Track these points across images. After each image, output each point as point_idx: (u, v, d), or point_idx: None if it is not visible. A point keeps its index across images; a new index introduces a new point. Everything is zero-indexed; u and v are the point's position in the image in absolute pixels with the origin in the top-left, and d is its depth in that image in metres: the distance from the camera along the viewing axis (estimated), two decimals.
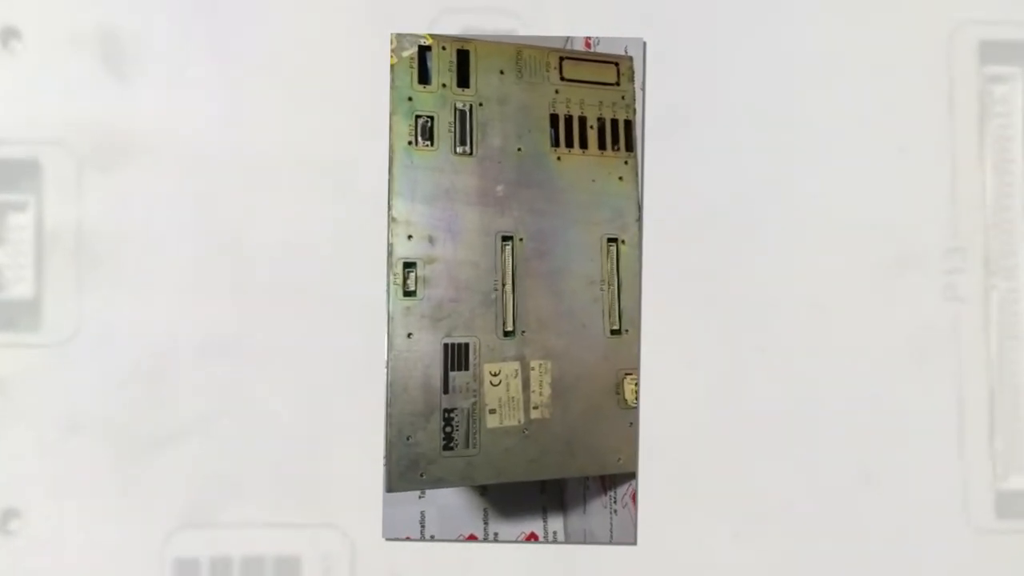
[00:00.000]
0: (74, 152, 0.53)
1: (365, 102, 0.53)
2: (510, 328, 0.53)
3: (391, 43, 0.54)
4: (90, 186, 0.53)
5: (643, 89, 0.54)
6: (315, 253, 0.53)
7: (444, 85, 0.54)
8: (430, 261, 0.52)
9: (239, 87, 0.54)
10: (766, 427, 0.53)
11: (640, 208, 0.54)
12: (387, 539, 0.53)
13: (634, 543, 0.53)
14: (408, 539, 0.53)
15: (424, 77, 0.54)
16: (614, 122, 0.55)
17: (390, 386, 0.52)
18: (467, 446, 0.52)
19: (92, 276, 0.53)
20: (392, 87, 0.53)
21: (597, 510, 0.54)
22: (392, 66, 0.53)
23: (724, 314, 0.53)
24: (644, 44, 0.54)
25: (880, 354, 0.53)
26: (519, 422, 0.53)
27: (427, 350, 0.52)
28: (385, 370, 0.52)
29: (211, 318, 0.53)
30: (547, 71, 0.55)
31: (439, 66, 0.54)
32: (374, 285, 0.53)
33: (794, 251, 0.53)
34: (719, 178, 0.53)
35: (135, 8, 0.54)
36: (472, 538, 0.53)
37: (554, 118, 0.55)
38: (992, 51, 0.53)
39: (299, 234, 0.53)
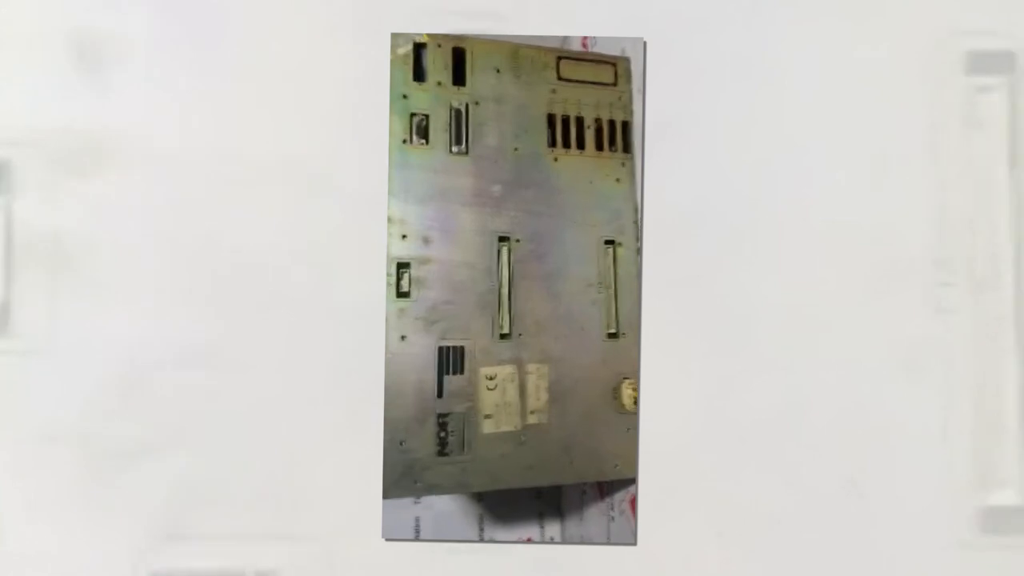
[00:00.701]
0: (48, 156, 0.52)
1: (355, 101, 0.53)
2: (506, 331, 0.53)
3: (391, 42, 0.53)
4: (64, 191, 0.52)
5: (643, 90, 0.54)
6: (300, 257, 0.53)
7: (439, 83, 0.53)
8: (425, 262, 0.52)
9: (219, 88, 0.53)
10: (760, 435, 0.53)
11: (637, 210, 0.53)
12: (386, 539, 0.52)
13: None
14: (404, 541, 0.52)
15: (419, 75, 0.53)
16: (611, 123, 0.54)
17: (383, 390, 0.51)
18: (462, 452, 0.52)
19: (66, 283, 0.52)
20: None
21: (595, 516, 0.53)
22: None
23: (719, 320, 0.53)
24: (644, 44, 0.53)
25: (870, 365, 0.52)
26: (515, 427, 0.52)
27: (421, 353, 0.52)
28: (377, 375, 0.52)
29: (190, 326, 0.52)
30: (544, 70, 0.54)
31: (434, 64, 0.53)
32: (364, 288, 0.52)
33: (785, 260, 0.53)
34: (713, 183, 0.53)
35: (111, 8, 0.53)
36: None
37: (551, 118, 0.54)
38: (978, 62, 0.53)
39: (283, 237, 0.52)
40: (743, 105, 0.53)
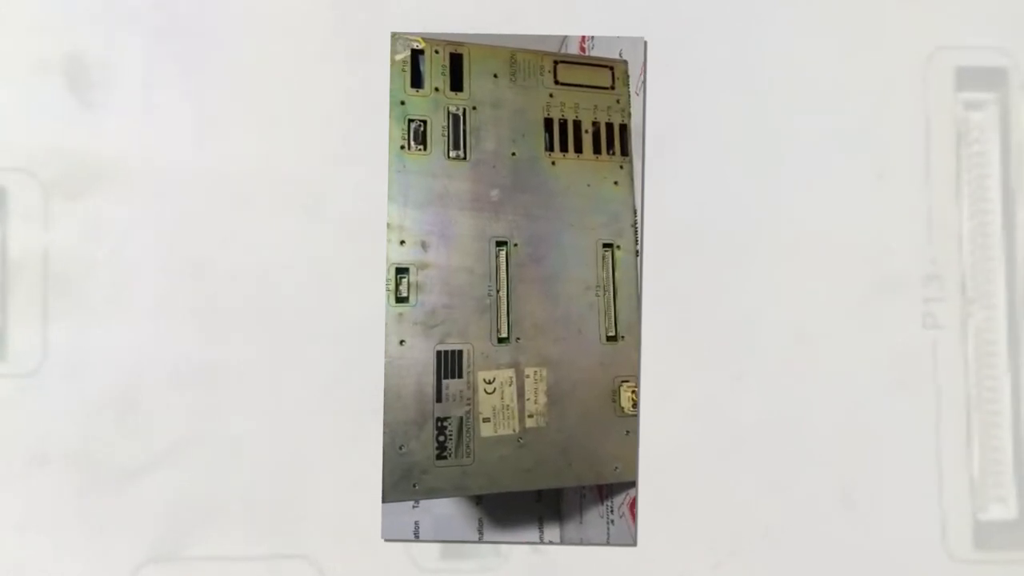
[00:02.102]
0: (40, 179, 0.52)
1: (353, 108, 0.53)
2: (504, 335, 0.52)
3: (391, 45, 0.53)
4: (57, 214, 0.52)
5: (641, 89, 0.53)
6: (299, 264, 0.52)
7: (437, 89, 0.53)
8: (423, 267, 0.52)
9: (212, 101, 0.53)
10: (757, 441, 0.52)
11: (635, 213, 0.53)
12: (386, 540, 0.52)
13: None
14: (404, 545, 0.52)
15: (417, 81, 0.53)
16: (609, 126, 0.54)
17: (383, 395, 0.51)
18: (461, 455, 0.51)
19: (59, 305, 0.52)
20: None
21: (594, 519, 0.53)
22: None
23: (717, 325, 0.52)
24: (645, 44, 0.53)
25: (863, 376, 0.52)
26: (514, 430, 0.52)
27: (420, 357, 0.51)
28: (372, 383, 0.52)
29: (186, 340, 0.52)
30: (541, 75, 0.54)
31: (432, 70, 0.53)
32: (363, 294, 0.52)
33: (781, 268, 0.52)
34: (709, 190, 0.53)
35: (102, 32, 0.53)
36: None
37: (548, 122, 0.54)
38: (968, 77, 0.53)
39: (280, 246, 0.52)
40: (741, 108, 0.53)
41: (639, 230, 0.53)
